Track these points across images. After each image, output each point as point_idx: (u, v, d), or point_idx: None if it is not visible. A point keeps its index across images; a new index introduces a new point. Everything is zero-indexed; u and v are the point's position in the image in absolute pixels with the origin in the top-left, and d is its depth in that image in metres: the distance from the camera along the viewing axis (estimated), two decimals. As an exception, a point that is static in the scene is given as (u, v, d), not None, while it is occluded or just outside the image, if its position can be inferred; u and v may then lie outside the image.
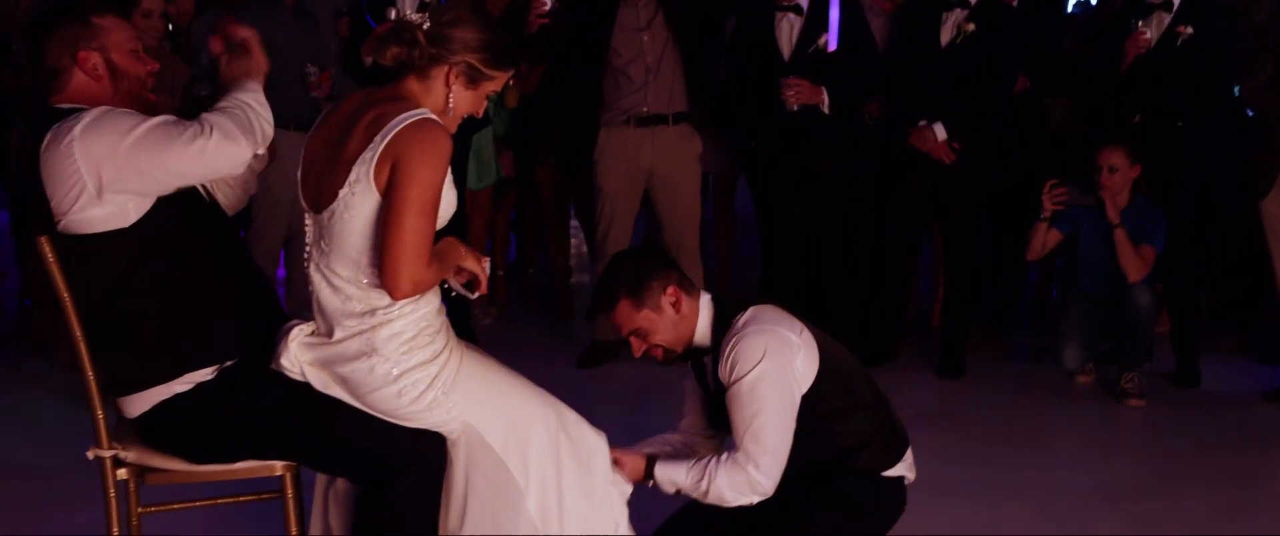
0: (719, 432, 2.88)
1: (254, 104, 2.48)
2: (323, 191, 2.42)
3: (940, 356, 5.06)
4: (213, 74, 2.81)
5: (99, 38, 2.49)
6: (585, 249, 6.29)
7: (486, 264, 2.56)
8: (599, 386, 4.74)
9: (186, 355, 2.47)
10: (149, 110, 2.51)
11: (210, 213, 2.60)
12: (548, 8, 4.74)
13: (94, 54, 2.49)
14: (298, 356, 2.47)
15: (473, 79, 2.45)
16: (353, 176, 2.36)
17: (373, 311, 2.41)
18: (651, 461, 2.71)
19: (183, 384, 2.47)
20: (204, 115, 2.44)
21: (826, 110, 4.80)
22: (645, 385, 4.58)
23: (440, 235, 2.43)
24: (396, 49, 2.41)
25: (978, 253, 5.10)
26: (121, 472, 2.59)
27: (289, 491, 2.59)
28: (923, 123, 4.84)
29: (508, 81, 2.57)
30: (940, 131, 4.82)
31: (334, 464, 2.57)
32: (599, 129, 4.91)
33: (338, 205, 2.38)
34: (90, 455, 2.57)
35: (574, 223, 6.13)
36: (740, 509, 2.73)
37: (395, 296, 2.37)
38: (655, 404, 2.79)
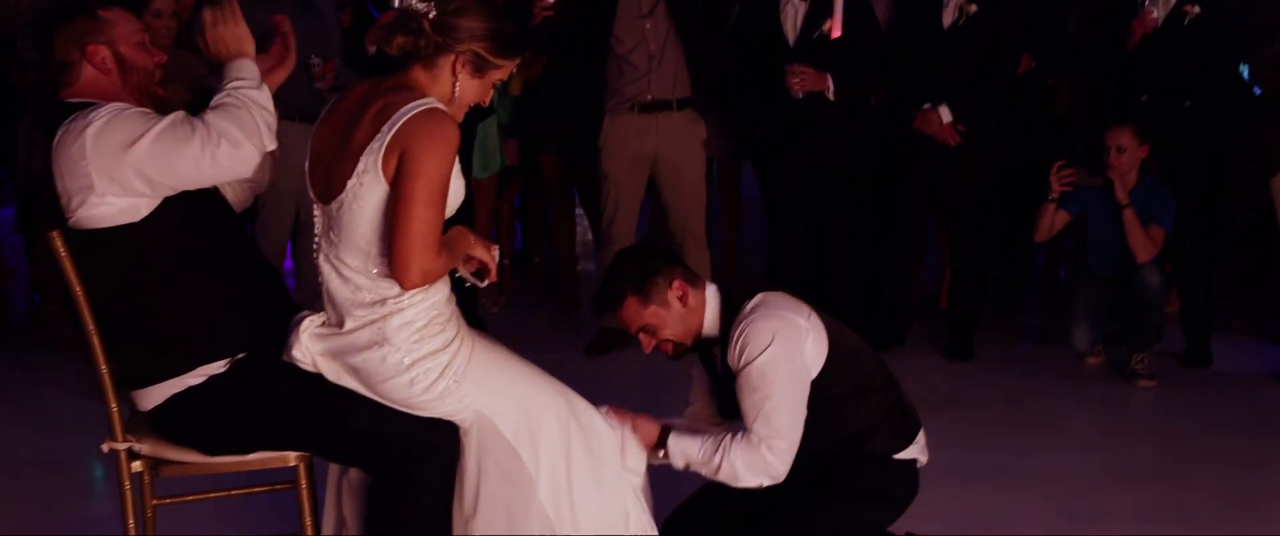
0: (727, 421, 2.88)
1: (255, 99, 2.46)
2: (331, 182, 2.43)
3: (948, 339, 5.06)
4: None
5: (106, 31, 2.50)
6: (590, 236, 6.29)
7: (496, 252, 2.56)
8: (608, 374, 4.74)
9: (199, 348, 2.48)
10: (157, 103, 2.52)
11: (219, 207, 2.61)
12: (551, 0, 4.72)
13: (102, 47, 2.50)
14: (309, 347, 2.47)
15: (479, 68, 2.44)
16: (361, 167, 2.36)
17: (383, 301, 2.41)
18: (666, 431, 2.71)
19: (196, 377, 2.48)
20: (207, 117, 2.41)
21: (832, 97, 4.79)
22: (654, 372, 4.57)
23: (448, 224, 2.43)
24: (403, 38, 2.41)
25: (984, 235, 5.09)
26: (136, 465, 2.60)
27: (302, 482, 2.60)
28: (927, 105, 4.83)
29: (514, 70, 2.56)
30: (946, 113, 4.81)
31: (347, 454, 2.58)
32: (603, 116, 4.90)
33: (346, 196, 2.39)
34: (105, 448, 2.58)
35: (579, 210, 6.13)
36: (752, 495, 2.73)
37: (405, 286, 2.37)
38: (664, 391, 2.79)
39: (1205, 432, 4.23)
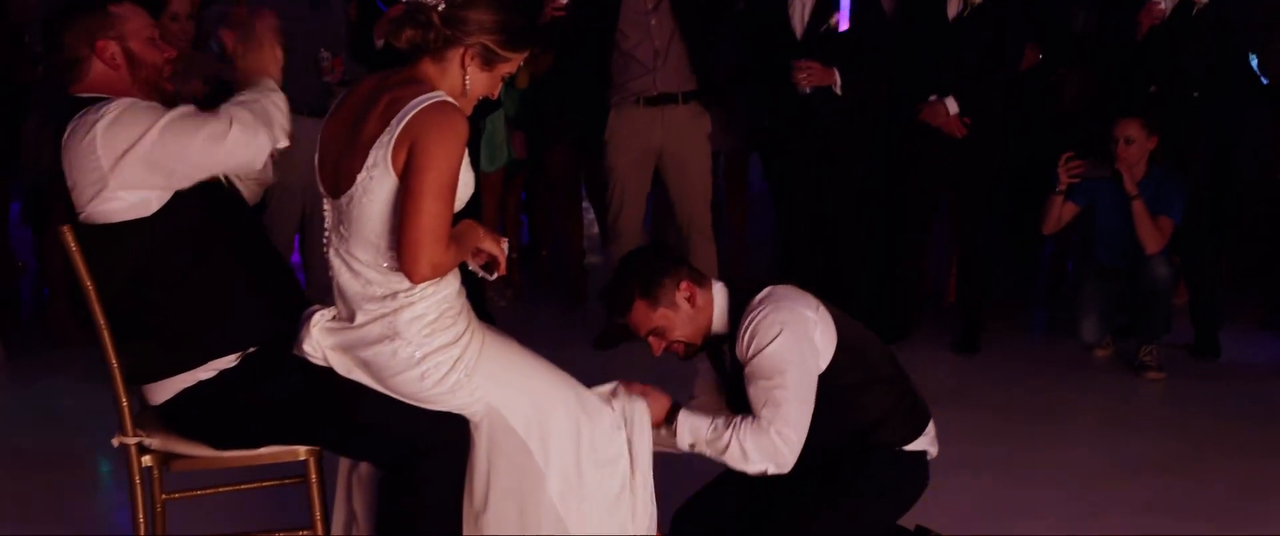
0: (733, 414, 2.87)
1: (273, 100, 2.50)
2: (340, 176, 2.42)
3: (956, 332, 5.05)
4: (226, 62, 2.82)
5: (116, 27, 2.51)
6: (597, 230, 6.29)
7: (505, 245, 2.56)
8: (615, 368, 4.72)
9: (210, 343, 2.48)
10: (166, 98, 2.52)
11: (230, 201, 2.61)
12: (564, 1, 4.70)
13: (112, 43, 2.51)
14: (320, 341, 2.48)
15: (488, 61, 2.44)
16: (370, 160, 2.36)
17: (394, 295, 2.41)
18: (676, 406, 2.71)
19: (206, 371, 2.48)
20: (223, 106, 2.45)
21: (839, 92, 4.78)
22: (662, 366, 4.57)
23: (457, 217, 2.43)
24: (411, 31, 2.40)
25: (991, 227, 5.09)
26: (146, 460, 2.60)
27: (312, 476, 2.61)
28: (933, 97, 4.82)
29: (522, 63, 2.56)
30: (952, 105, 4.80)
31: (357, 448, 2.58)
32: (609, 110, 4.90)
33: (356, 189, 2.38)
34: (115, 442, 2.58)
35: (585, 204, 6.13)
36: (760, 486, 2.73)
37: (414, 279, 2.36)
38: (672, 386, 2.78)
39: (1214, 424, 4.22)
